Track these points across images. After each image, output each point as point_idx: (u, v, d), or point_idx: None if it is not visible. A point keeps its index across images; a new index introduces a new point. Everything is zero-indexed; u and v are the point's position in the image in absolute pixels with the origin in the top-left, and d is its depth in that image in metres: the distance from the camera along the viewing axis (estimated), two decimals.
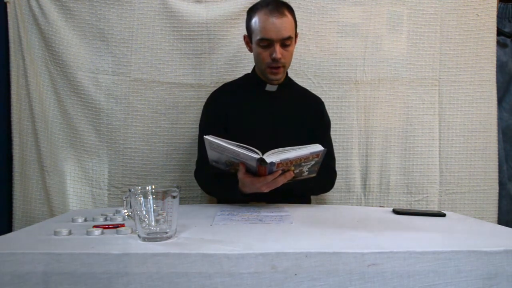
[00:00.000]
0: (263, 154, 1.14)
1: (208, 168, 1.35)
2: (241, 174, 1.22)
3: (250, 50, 1.50)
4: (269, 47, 1.40)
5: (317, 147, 1.16)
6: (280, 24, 1.37)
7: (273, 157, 1.12)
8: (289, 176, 1.20)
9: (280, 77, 1.47)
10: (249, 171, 1.22)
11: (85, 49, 1.72)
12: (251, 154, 1.13)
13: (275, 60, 1.40)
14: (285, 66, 1.46)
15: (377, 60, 1.80)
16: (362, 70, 1.80)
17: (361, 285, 0.75)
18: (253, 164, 1.16)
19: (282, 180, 1.19)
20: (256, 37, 1.41)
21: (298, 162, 1.16)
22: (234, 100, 1.51)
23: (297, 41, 1.50)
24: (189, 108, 1.76)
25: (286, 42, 1.40)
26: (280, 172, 1.17)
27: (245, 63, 1.76)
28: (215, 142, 1.16)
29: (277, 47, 1.38)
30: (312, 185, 1.43)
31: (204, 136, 1.18)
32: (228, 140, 1.17)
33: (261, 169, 1.17)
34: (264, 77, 1.49)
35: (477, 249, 0.78)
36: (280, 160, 1.12)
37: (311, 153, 1.15)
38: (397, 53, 1.81)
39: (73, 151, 1.73)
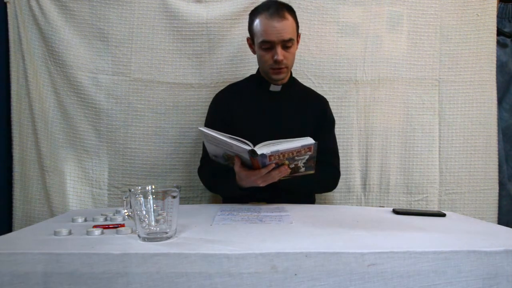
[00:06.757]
0: (255, 146, 1.14)
1: (210, 165, 1.35)
2: (236, 167, 1.23)
3: (254, 52, 1.52)
4: (271, 49, 1.42)
5: (308, 140, 1.15)
6: (280, 27, 1.38)
7: (264, 149, 1.13)
8: (284, 171, 1.20)
9: (283, 77, 1.49)
10: (245, 164, 1.23)
11: (85, 49, 1.72)
12: (242, 146, 1.14)
13: (277, 62, 1.42)
14: (287, 67, 1.47)
15: (377, 60, 1.80)
16: (362, 70, 1.80)
17: (361, 285, 0.75)
18: (247, 156, 1.16)
19: (277, 175, 1.20)
20: (258, 40, 1.43)
21: (290, 155, 1.16)
22: (239, 100, 1.53)
23: (299, 41, 1.51)
24: (189, 108, 1.76)
25: (287, 44, 1.42)
26: (273, 165, 1.17)
27: (245, 63, 1.76)
28: (209, 134, 1.17)
29: (279, 49, 1.40)
30: (313, 183, 1.43)
31: (199, 128, 1.20)
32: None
33: (254, 162, 1.17)
34: (268, 77, 1.50)
35: (477, 249, 0.78)
36: (271, 152, 1.12)
37: (302, 146, 1.14)
38: (397, 53, 1.80)
39: (73, 151, 1.73)
